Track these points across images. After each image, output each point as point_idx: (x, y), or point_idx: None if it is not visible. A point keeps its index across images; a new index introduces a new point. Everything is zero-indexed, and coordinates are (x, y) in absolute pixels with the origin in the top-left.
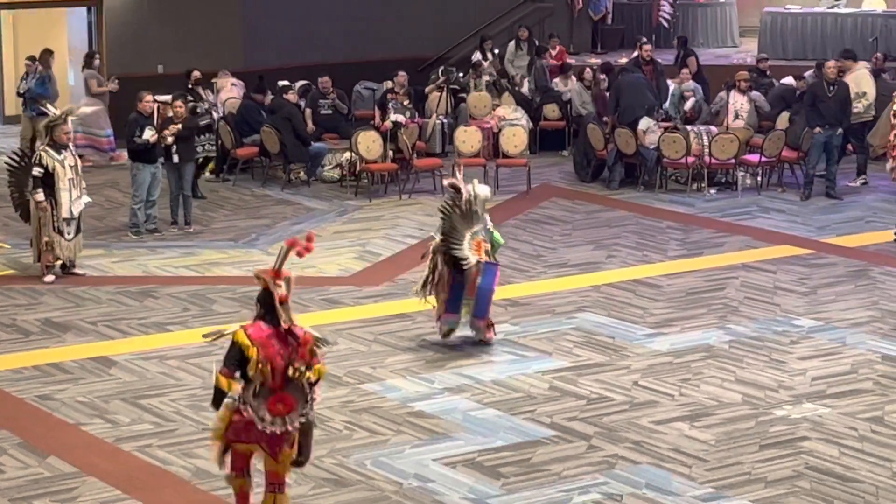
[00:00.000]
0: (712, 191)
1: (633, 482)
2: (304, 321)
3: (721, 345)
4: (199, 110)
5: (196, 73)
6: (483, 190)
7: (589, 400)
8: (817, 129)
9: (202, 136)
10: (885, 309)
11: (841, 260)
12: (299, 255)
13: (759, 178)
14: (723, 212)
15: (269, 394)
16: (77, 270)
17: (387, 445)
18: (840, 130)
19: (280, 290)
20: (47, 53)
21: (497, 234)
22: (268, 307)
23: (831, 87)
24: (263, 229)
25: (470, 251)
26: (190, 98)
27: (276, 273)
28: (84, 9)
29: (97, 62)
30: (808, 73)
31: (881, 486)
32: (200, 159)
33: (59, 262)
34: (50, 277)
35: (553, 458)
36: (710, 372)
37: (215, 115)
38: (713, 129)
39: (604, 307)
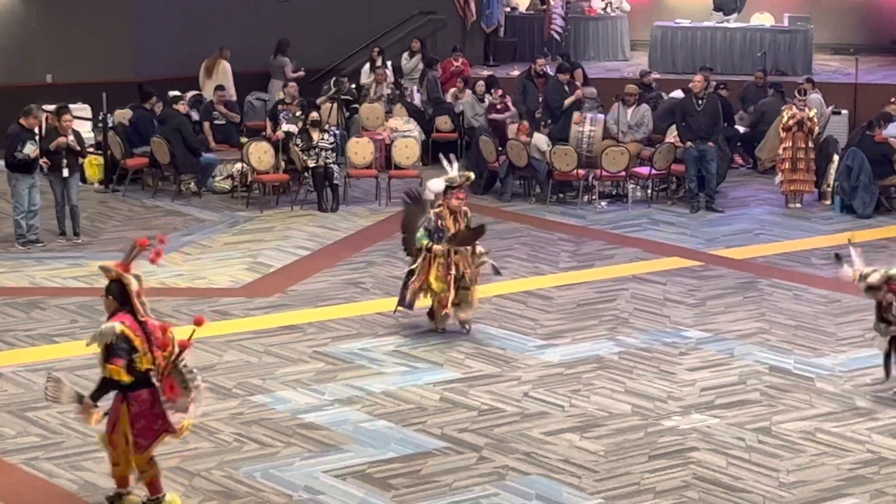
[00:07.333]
0: (603, 203)
1: (524, 493)
2: (195, 332)
3: (611, 356)
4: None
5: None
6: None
7: (480, 411)
8: (689, 144)
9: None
10: (772, 320)
11: (729, 272)
12: (151, 261)
13: (649, 191)
14: (613, 224)
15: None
16: None
17: (277, 458)
18: (711, 143)
19: (133, 285)
20: None
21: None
22: (123, 299)
23: (700, 101)
24: (153, 241)
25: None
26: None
27: (126, 267)
28: None
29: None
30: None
31: (768, 495)
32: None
33: None
34: None
35: (444, 470)
36: (600, 383)
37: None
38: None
39: (495, 318)
